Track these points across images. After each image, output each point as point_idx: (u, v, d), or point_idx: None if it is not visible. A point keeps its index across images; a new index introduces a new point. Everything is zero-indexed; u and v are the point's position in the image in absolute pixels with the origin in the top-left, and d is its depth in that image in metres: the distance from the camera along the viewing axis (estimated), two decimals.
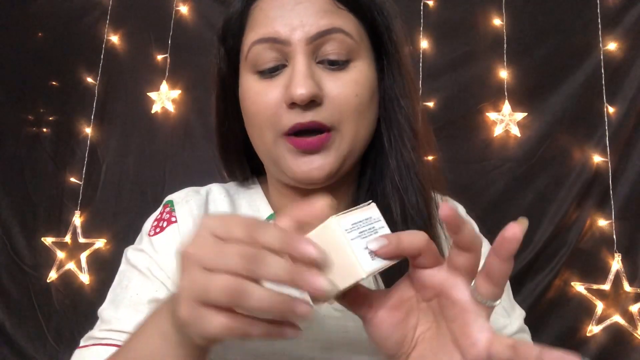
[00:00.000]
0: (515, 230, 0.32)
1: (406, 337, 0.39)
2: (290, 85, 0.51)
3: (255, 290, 0.31)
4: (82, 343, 0.55)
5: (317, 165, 0.53)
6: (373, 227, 0.38)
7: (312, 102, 0.51)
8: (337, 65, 0.53)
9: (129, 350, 0.41)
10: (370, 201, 0.41)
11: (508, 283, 0.63)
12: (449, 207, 0.33)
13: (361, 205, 0.40)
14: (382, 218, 0.40)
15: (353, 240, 0.36)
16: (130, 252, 0.60)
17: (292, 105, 0.51)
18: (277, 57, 0.53)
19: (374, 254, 0.36)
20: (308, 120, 0.51)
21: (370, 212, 0.39)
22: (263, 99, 0.53)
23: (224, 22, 0.59)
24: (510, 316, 0.61)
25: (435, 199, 0.59)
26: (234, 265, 0.31)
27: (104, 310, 0.57)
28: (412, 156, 0.56)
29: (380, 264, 0.36)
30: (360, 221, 0.38)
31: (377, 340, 0.40)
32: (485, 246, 0.65)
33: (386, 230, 0.39)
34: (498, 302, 0.36)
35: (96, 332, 0.55)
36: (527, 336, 0.61)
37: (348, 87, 0.52)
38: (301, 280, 0.31)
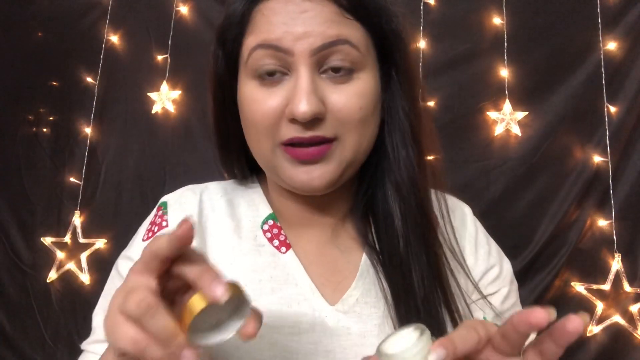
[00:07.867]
0: (578, 324, 0.34)
1: None
2: (293, 100, 0.49)
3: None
4: (82, 347, 0.57)
5: (317, 174, 0.51)
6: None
7: (315, 119, 0.49)
8: (340, 72, 0.51)
9: None
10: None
11: (514, 280, 0.64)
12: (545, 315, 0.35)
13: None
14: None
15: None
16: (120, 260, 0.60)
17: (294, 120, 0.50)
18: (279, 64, 0.51)
19: None
20: (308, 136, 0.50)
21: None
22: (262, 107, 0.51)
23: (223, 24, 0.56)
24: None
25: (439, 197, 0.59)
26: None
27: (96, 316, 0.58)
28: (415, 161, 0.55)
29: None
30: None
31: None
32: (504, 262, 0.64)
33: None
34: None
35: (87, 342, 0.57)
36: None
37: (352, 100, 0.51)
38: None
